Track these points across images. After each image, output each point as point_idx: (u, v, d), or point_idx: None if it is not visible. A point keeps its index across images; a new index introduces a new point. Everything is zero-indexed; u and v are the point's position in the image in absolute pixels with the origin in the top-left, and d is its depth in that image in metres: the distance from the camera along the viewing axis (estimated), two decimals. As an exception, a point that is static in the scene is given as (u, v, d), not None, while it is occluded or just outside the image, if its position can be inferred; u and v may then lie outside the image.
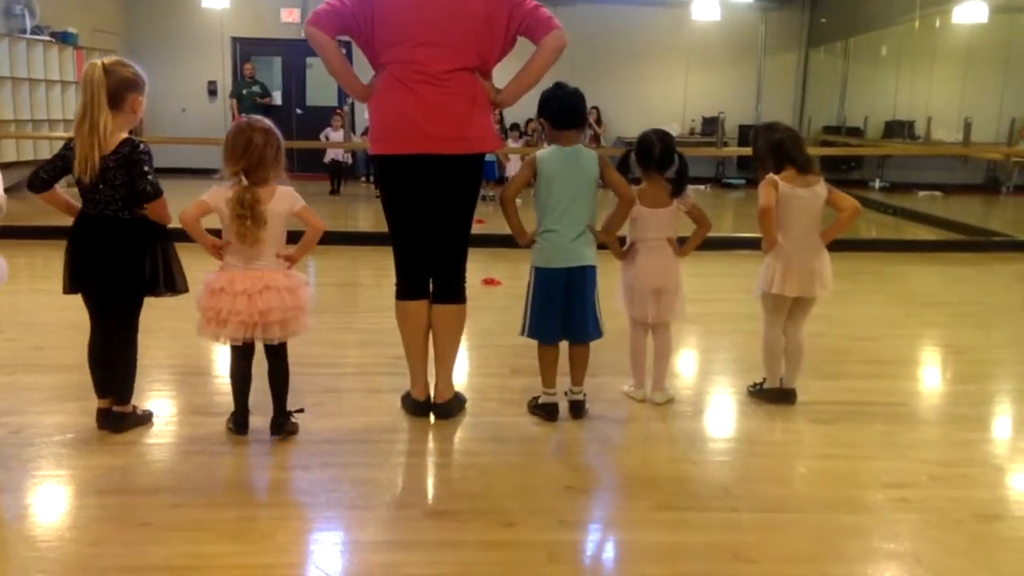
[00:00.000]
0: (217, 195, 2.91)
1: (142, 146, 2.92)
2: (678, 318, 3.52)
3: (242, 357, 3.06)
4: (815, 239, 3.41)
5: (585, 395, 3.36)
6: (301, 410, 3.21)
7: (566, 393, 3.37)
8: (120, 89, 2.88)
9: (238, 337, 2.93)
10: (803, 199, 3.36)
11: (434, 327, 3.29)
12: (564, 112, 3.22)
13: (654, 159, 3.36)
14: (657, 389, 3.53)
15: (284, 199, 2.94)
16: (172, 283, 3.07)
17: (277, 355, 3.09)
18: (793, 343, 3.50)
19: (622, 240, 3.48)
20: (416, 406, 3.32)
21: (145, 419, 3.17)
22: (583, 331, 3.28)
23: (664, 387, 3.54)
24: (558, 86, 3.22)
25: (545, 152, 3.25)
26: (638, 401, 3.53)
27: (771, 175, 3.38)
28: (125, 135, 2.92)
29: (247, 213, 2.85)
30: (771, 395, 3.54)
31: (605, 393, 3.57)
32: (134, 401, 3.15)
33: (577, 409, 3.34)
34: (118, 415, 3.09)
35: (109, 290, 3.00)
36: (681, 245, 3.47)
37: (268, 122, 2.94)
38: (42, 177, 2.96)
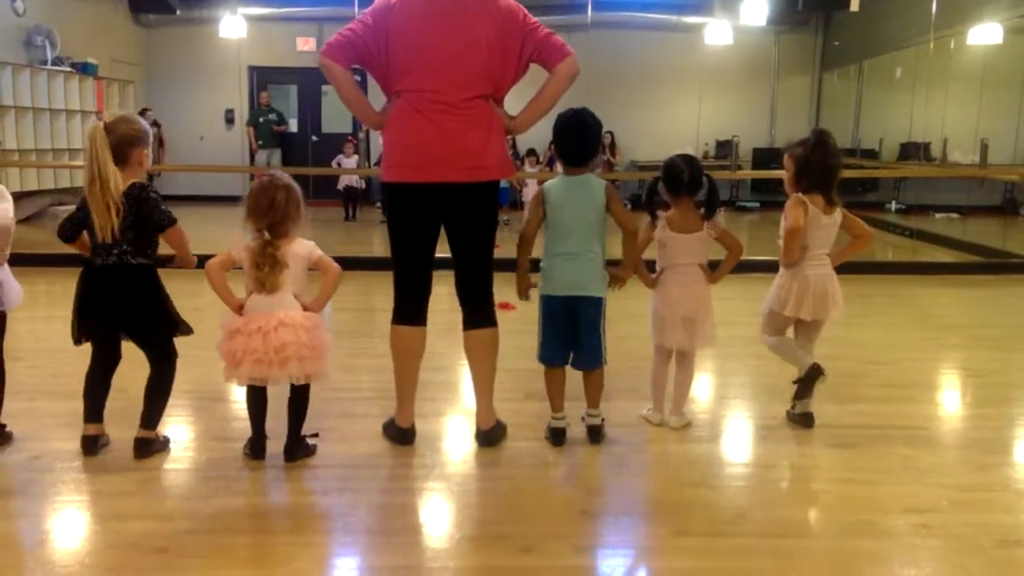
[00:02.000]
0: (241, 247, 2.99)
1: (148, 186, 3.00)
2: (710, 344, 3.49)
3: (255, 391, 3.08)
4: (826, 261, 3.40)
5: (603, 420, 3.34)
6: (316, 434, 3.22)
7: (583, 418, 3.35)
8: (123, 146, 2.93)
9: (255, 376, 2.94)
10: (825, 227, 3.36)
11: (472, 353, 3.29)
12: (575, 152, 3.22)
13: (683, 184, 3.34)
14: (675, 414, 3.51)
15: (303, 245, 3.02)
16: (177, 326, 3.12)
17: (299, 388, 3.10)
18: None
19: (651, 266, 3.45)
20: (400, 434, 3.29)
21: (165, 445, 3.20)
22: (585, 360, 3.27)
23: (682, 412, 3.52)
24: (575, 118, 3.18)
25: (552, 182, 3.26)
26: (655, 425, 3.51)
27: (799, 195, 3.35)
28: (130, 181, 2.97)
29: (267, 261, 2.93)
30: (810, 375, 3.38)
31: (622, 417, 3.56)
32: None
33: (594, 434, 3.31)
34: (145, 441, 3.10)
35: (138, 333, 3.05)
36: (712, 270, 3.44)
37: (288, 178, 3.02)
38: (67, 235, 3.02)
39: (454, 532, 2.66)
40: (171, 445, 3.23)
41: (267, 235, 2.94)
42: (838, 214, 3.38)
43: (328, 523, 2.71)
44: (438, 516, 2.80)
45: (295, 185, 3.01)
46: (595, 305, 3.22)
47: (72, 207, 3.09)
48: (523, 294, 3.29)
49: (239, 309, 3.01)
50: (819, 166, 3.33)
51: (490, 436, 3.30)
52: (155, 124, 12.61)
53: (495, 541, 2.55)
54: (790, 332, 3.55)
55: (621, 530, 2.74)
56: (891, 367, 4.51)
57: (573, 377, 3.35)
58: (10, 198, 3.11)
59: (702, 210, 3.39)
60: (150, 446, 3.11)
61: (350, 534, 2.62)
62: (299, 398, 3.11)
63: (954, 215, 12.47)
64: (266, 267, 2.93)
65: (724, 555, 2.50)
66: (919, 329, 5.58)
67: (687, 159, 3.39)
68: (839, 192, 3.39)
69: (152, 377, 3.12)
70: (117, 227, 2.89)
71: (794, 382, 3.49)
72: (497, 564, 2.43)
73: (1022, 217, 12.74)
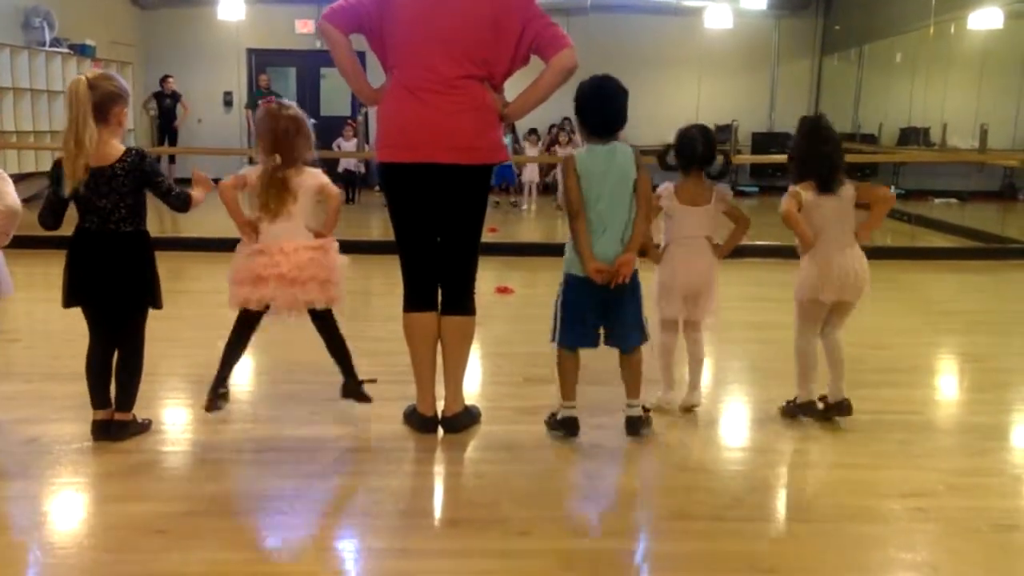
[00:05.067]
0: (252, 171, 3.08)
1: (149, 156, 3.01)
2: (711, 316, 3.42)
3: (243, 326, 3.15)
4: (849, 240, 3.29)
5: (646, 408, 3.21)
6: (374, 380, 3.35)
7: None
8: (105, 102, 2.92)
9: (279, 298, 3.02)
10: (830, 208, 3.25)
11: (443, 339, 3.24)
12: (602, 122, 3.07)
13: (697, 156, 3.28)
14: (694, 388, 3.45)
15: (311, 174, 3.11)
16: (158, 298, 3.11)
17: (326, 326, 3.22)
18: (832, 348, 3.37)
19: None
20: (423, 422, 3.26)
21: (145, 427, 3.18)
22: (624, 338, 3.13)
23: (698, 388, 3.45)
24: (600, 86, 3.05)
25: (581, 151, 3.09)
26: (669, 410, 3.42)
27: (793, 188, 3.26)
28: (123, 146, 2.97)
29: (276, 185, 3.02)
30: (806, 409, 3.37)
31: (619, 401, 3.56)
32: (147, 408, 3.17)
33: (634, 426, 3.15)
34: (121, 424, 3.10)
35: (121, 304, 3.04)
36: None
37: (296, 108, 3.09)
38: (49, 223, 2.99)
39: (451, 515, 2.67)
40: (169, 427, 3.23)
41: (278, 159, 3.02)
42: (848, 191, 3.26)
43: (325, 505, 2.71)
44: (436, 499, 2.81)
45: (302, 117, 3.09)
46: (633, 278, 3.06)
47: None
48: (601, 276, 3.00)
49: (249, 227, 3.08)
50: (807, 155, 3.27)
51: (455, 422, 3.27)
52: (174, 95, 12.63)
53: (493, 524, 2.56)
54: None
55: (618, 513, 2.75)
56: (889, 352, 4.51)
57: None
58: (11, 181, 3.10)
59: (708, 181, 3.31)
60: (127, 428, 3.11)
61: (347, 516, 2.63)
62: (333, 339, 3.23)
63: (953, 200, 12.46)
64: (273, 190, 3.02)
65: (721, 539, 2.50)
66: (917, 314, 5.58)
67: (702, 130, 3.33)
68: (843, 179, 3.26)
69: (124, 358, 3.09)
70: (82, 176, 2.86)
71: (790, 403, 3.42)
72: (494, 547, 2.43)
73: (1021, 203, 12.73)
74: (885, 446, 3.20)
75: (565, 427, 3.18)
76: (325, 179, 3.17)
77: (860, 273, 3.29)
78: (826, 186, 3.24)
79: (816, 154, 3.26)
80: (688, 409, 3.46)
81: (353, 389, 3.30)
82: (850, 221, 3.31)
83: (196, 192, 3.10)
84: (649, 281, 3.42)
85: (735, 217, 3.37)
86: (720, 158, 3.35)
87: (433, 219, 3.16)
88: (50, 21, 10.70)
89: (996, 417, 3.61)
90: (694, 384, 3.49)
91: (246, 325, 3.17)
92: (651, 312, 3.36)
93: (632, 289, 3.11)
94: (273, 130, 3.05)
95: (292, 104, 3.13)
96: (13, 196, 3.01)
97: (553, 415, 3.25)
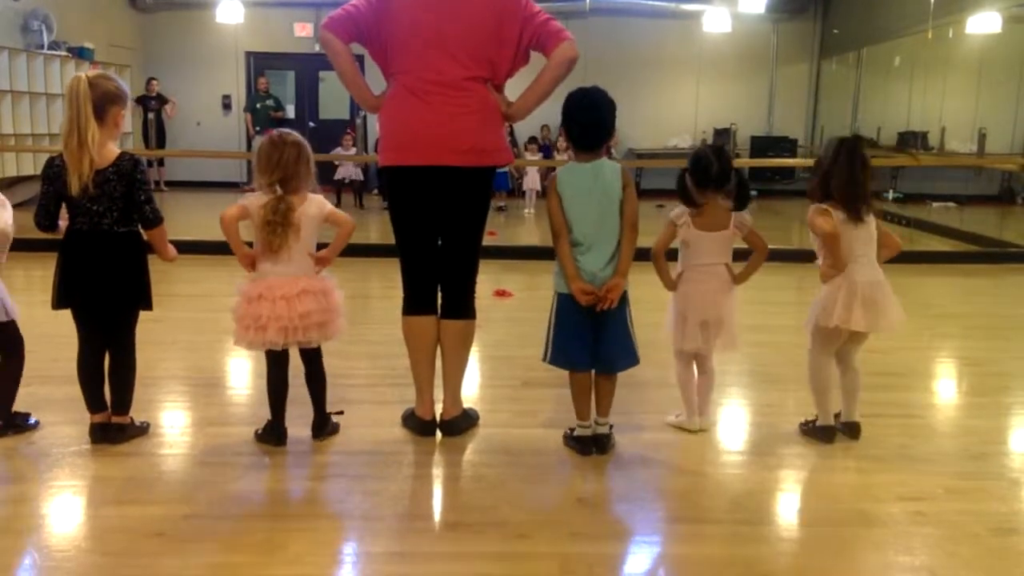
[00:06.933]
0: (253, 201, 2.99)
1: (142, 164, 3.00)
2: (734, 348, 3.35)
3: (278, 365, 3.10)
4: (875, 265, 3.16)
5: (611, 427, 3.20)
6: (341, 412, 3.28)
7: (588, 425, 3.17)
8: (103, 102, 2.91)
9: (278, 342, 2.97)
10: (859, 230, 3.13)
11: (442, 342, 3.24)
12: (587, 135, 3.01)
13: (712, 177, 3.15)
14: (703, 414, 3.37)
15: (315, 203, 3.03)
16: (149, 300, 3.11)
17: (312, 359, 3.15)
18: (849, 372, 3.29)
19: (672, 253, 3.29)
20: (422, 425, 3.26)
21: (143, 430, 3.19)
22: (611, 362, 3.08)
23: (707, 413, 3.38)
24: (586, 97, 2.97)
25: (564, 171, 3.04)
26: (692, 432, 3.33)
27: (819, 205, 3.14)
28: (119, 149, 2.97)
29: (279, 220, 2.92)
30: (826, 433, 3.26)
31: (618, 406, 3.55)
32: (145, 411, 3.17)
33: (602, 444, 3.13)
34: (119, 427, 3.11)
35: (113, 305, 3.03)
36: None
37: (298, 135, 3.02)
38: (44, 224, 2.98)
39: (449, 518, 2.66)
40: (167, 430, 3.23)
41: (279, 190, 2.94)
42: (872, 220, 3.16)
43: (323, 509, 2.71)
44: (434, 502, 2.81)
45: (304, 142, 3.03)
46: (622, 299, 3.02)
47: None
48: (587, 299, 2.95)
49: (249, 261, 3.02)
50: (843, 178, 3.09)
51: (454, 426, 3.27)
52: (159, 98, 12.63)
53: (491, 527, 2.56)
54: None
55: (616, 517, 2.74)
56: (887, 356, 4.51)
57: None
58: (10, 207, 3.10)
59: (730, 203, 3.21)
60: (125, 431, 3.11)
61: (345, 520, 2.62)
62: (316, 373, 3.16)
63: (951, 204, 12.47)
64: (278, 228, 2.93)
65: (720, 542, 2.50)
66: (916, 318, 5.56)
67: (716, 151, 3.22)
68: (868, 204, 3.14)
69: (115, 360, 3.10)
70: (88, 176, 2.85)
71: (807, 422, 3.34)
72: (492, 550, 2.43)
73: (1019, 206, 12.75)
74: (884, 450, 3.20)
75: (579, 444, 3.13)
76: (331, 206, 3.08)
77: (885, 304, 3.15)
78: (856, 213, 3.11)
79: (852, 178, 3.10)
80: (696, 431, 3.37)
81: (321, 426, 3.18)
82: (874, 245, 3.18)
83: (168, 247, 3.08)
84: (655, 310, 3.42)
85: (754, 243, 3.26)
86: (734, 180, 3.21)
87: (435, 222, 3.17)
88: (49, 24, 10.71)
89: (995, 421, 3.61)
90: (702, 407, 3.37)
91: (274, 362, 3.10)
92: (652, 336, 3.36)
93: (621, 307, 3.03)
94: (278, 158, 2.93)
95: (293, 132, 3.05)
96: (5, 219, 3.01)
97: (571, 430, 3.21)
